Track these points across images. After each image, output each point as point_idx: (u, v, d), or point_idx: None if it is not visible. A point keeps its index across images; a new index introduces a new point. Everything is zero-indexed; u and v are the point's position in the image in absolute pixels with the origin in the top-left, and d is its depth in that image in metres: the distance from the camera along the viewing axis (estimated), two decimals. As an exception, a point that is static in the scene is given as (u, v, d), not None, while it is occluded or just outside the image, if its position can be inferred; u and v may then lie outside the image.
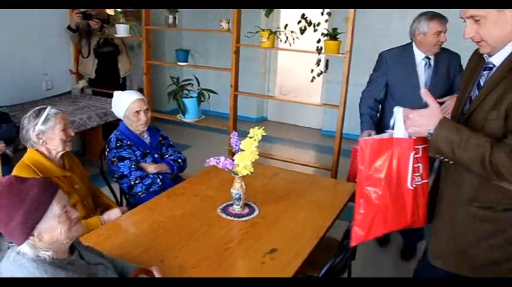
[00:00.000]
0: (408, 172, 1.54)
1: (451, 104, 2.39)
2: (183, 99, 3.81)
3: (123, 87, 4.69)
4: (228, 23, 3.78)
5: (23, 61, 4.12)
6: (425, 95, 1.49)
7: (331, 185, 2.78)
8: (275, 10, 5.81)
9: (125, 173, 2.55)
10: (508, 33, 1.39)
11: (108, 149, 2.62)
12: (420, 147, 1.55)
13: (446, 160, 1.46)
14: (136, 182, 2.56)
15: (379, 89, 2.94)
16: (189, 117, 3.91)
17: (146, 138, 2.75)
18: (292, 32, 3.58)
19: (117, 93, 2.71)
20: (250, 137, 2.16)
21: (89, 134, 4.25)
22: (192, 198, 2.39)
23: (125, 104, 2.62)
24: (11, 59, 4.00)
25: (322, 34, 3.49)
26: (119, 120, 2.79)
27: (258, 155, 2.16)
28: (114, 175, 2.59)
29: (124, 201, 2.82)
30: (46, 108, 2.16)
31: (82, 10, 4.21)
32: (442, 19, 2.67)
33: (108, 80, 4.61)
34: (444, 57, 2.80)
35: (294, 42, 3.52)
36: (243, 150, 2.18)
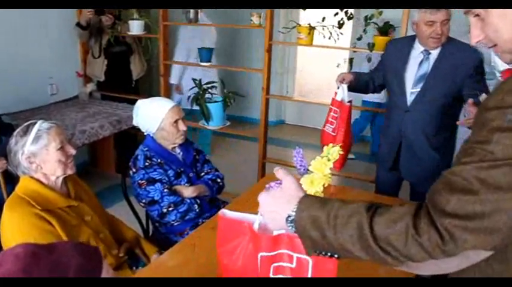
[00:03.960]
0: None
1: (473, 110, 1.95)
2: (207, 104, 3.36)
3: (136, 91, 4.23)
4: (260, 17, 3.32)
5: (25, 63, 3.63)
6: (278, 172, 1.11)
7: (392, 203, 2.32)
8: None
9: (156, 198, 2.10)
10: None
11: (134, 170, 2.15)
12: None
13: (335, 256, 1.01)
14: (170, 209, 2.10)
15: (379, 76, 2.60)
16: (214, 124, 3.45)
17: (179, 154, 2.29)
18: (333, 26, 3.13)
19: (143, 103, 2.23)
20: (323, 157, 1.70)
21: (99, 143, 3.79)
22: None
23: (159, 114, 2.15)
24: (11, 60, 3.52)
25: (363, 30, 3.07)
26: (134, 128, 2.34)
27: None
28: (142, 200, 2.14)
29: (150, 227, 2.37)
30: (35, 123, 1.67)
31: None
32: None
33: (119, 83, 4.13)
34: (453, 54, 2.31)
35: (338, 38, 3.07)
36: (310, 171, 1.73)
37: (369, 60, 4.03)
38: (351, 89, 2.47)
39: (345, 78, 2.43)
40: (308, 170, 1.77)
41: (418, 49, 2.38)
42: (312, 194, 1.69)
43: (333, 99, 2.37)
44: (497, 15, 0.88)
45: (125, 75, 4.16)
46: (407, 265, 0.91)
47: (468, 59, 2.29)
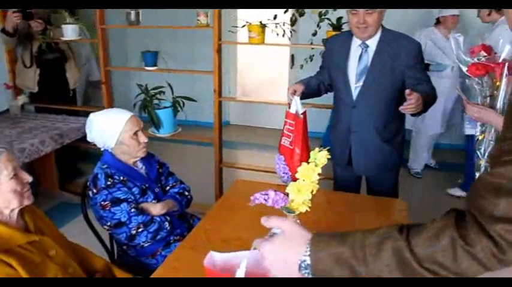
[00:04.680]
0: None
1: (412, 97, 1.99)
2: (156, 111, 3.17)
3: (74, 101, 3.92)
4: (207, 16, 3.17)
5: None
6: (270, 221, 1.01)
7: (373, 203, 2.29)
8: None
9: (123, 220, 1.91)
10: None
11: (95, 190, 1.94)
12: None
13: None
14: (139, 230, 1.92)
15: (325, 76, 2.55)
16: (165, 132, 3.27)
17: (141, 168, 2.11)
18: (284, 23, 3.07)
19: (97, 116, 2.01)
20: (310, 162, 1.61)
21: (39, 161, 3.45)
22: (223, 246, 1.79)
23: (117, 127, 1.96)
24: None
25: (318, 25, 3.03)
26: (79, 140, 2.13)
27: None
28: (106, 223, 1.94)
29: (115, 250, 2.17)
30: None
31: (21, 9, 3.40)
32: None
33: (54, 94, 3.81)
34: (390, 45, 2.27)
35: (291, 35, 3.00)
36: (295, 179, 1.63)
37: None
38: (304, 97, 2.40)
39: (296, 89, 2.35)
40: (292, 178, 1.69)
41: (356, 43, 2.35)
42: (301, 202, 1.62)
43: (287, 112, 2.29)
44: None
45: (61, 85, 3.84)
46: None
47: (406, 49, 2.28)
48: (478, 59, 2.00)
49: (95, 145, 2.11)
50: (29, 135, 3.15)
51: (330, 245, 0.87)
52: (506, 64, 1.92)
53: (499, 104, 1.95)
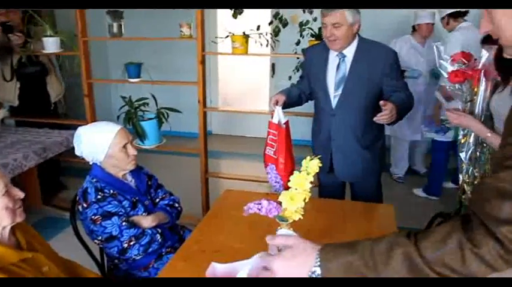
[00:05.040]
0: None
1: (387, 107, 2.07)
2: (140, 122, 3.16)
3: (56, 114, 3.87)
4: (190, 27, 3.18)
5: None
6: (275, 240, 1.06)
7: (361, 209, 2.33)
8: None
9: (114, 233, 1.90)
10: None
11: (85, 204, 1.93)
12: None
13: None
14: (131, 243, 1.91)
15: (306, 85, 2.59)
16: (150, 143, 3.27)
17: (131, 181, 2.10)
18: (266, 34, 3.11)
19: (86, 130, 2.00)
20: (302, 171, 1.63)
21: (21, 176, 3.39)
22: (217, 256, 1.79)
23: (106, 140, 1.95)
24: None
25: (302, 34, 3.08)
26: (61, 154, 2.11)
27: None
28: (97, 238, 1.92)
29: (106, 263, 2.15)
30: None
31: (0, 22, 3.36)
32: (324, 9, 2.26)
33: (35, 107, 3.76)
34: (367, 54, 2.34)
35: (275, 45, 3.04)
36: (288, 188, 1.65)
37: None
38: (285, 106, 2.44)
39: (278, 100, 2.39)
40: (284, 186, 1.71)
41: (333, 53, 2.40)
42: (294, 211, 1.64)
43: (270, 122, 2.33)
44: (501, 14, 0.88)
45: (42, 98, 3.79)
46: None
47: (382, 57, 2.34)
48: (458, 66, 2.07)
49: (77, 157, 2.10)
50: (11, 150, 3.10)
51: (340, 255, 0.90)
52: (482, 71, 1.99)
53: (477, 109, 2.02)
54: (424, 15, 3.92)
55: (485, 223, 0.82)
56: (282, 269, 0.96)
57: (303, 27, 2.97)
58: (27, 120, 3.71)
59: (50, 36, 3.39)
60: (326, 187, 2.69)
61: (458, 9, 3.51)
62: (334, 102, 2.41)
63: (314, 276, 0.91)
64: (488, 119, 1.97)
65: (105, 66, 5.61)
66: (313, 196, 2.73)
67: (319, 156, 1.60)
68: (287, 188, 1.64)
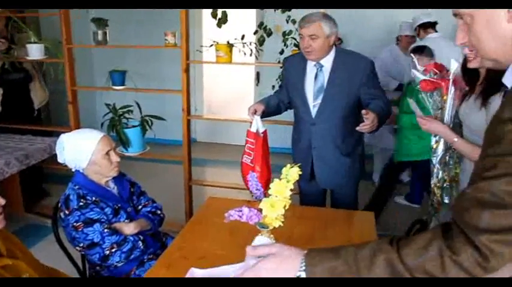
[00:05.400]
0: None
1: (368, 117, 2.12)
2: (124, 130, 3.17)
3: (39, 121, 3.85)
4: (175, 36, 3.21)
5: None
6: (257, 251, 1.09)
7: (342, 216, 2.37)
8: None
9: (96, 240, 1.90)
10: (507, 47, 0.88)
11: (67, 211, 1.93)
12: None
13: None
14: (113, 250, 1.92)
15: (285, 95, 2.63)
16: (133, 151, 3.28)
17: (113, 188, 2.11)
18: (251, 43, 3.15)
19: (69, 137, 2.01)
20: (281, 179, 1.66)
21: (3, 183, 3.37)
22: (200, 263, 1.81)
23: (89, 147, 1.97)
24: None
25: (285, 44, 3.13)
26: (43, 161, 2.11)
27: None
28: (79, 244, 1.93)
29: (87, 270, 2.15)
30: None
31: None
32: (302, 21, 2.33)
33: (18, 114, 3.74)
34: (344, 64, 2.39)
35: (259, 54, 3.09)
36: (268, 195, 1.68)
37: None
38: (264, 115, 2.48)
39: (257, 109, 2.42)
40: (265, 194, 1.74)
41: (311, 63, 2.44)
42: (274, 218, 1.67)
43: (248, 130, 2.37)
44: (482, 26, 0.89)
45: (25, 105, 3.78)
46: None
47: (359, 66, 2.39)
48: (429, 76, 2.15)
49: (60, 164, 2.10)
50: (-7, 156, 3.09)
51: (325, 260, 0.92)
52: (451, 81, 2.08)
53: (447, 116, 2.11)
54: (405, 28, 4.03)
55: (465, 231, 0.84)
56: (268, 275, 0.98)
57: (286, 36, 3.01)
58: (10, 127, 3.69)
59: (34, 42, 3.39)
60: (307, 195, 2.72)
61: (428, 20, 3.67)
62: (313, 111, 2.45)
63: (300, 276, 0.93)
64: (457, 126, 2.07)
65: (89, 73, 5.60)
66: (294, 203, 2.78)
67: (299, 164, 1.63)
68: (267, 195, 1.68)
